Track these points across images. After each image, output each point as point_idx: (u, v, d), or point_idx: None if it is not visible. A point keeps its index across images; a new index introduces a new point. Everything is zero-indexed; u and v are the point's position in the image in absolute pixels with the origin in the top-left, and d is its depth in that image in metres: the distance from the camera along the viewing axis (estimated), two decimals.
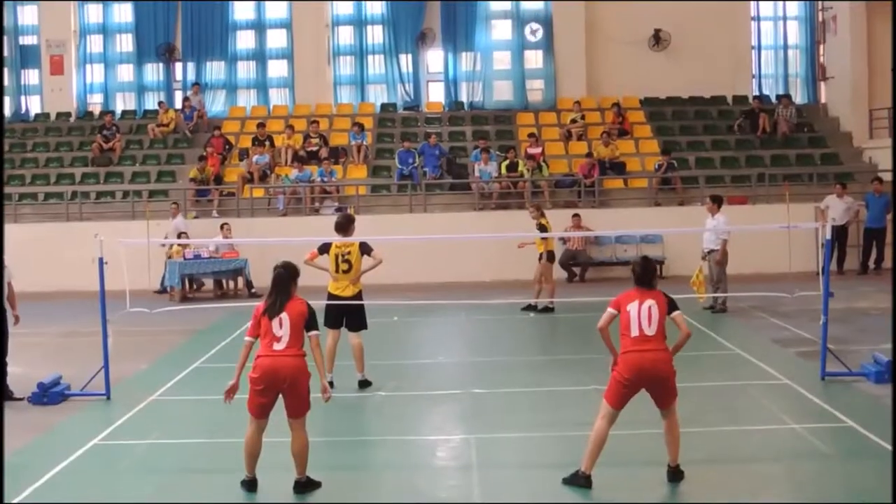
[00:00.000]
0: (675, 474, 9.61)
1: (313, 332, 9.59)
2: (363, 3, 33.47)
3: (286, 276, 9.60)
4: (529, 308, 20.43)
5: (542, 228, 20.03)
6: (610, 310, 9.59)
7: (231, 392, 9.56)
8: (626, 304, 9.51)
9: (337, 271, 13.64)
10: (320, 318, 10.22)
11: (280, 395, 9.39)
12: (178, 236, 24.10)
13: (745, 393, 13.23)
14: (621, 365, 9.42)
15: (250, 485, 9.53)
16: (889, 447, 10.26)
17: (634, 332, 9.41)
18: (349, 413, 12.84)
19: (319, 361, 9.71)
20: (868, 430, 11.02)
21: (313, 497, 9.46)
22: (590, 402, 12.71)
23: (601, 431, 9.44)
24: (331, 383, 13.44)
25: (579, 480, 9.47)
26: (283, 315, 9.41)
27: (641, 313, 9.42)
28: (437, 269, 25.27)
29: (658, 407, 9.60)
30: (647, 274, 9.66)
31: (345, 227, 13.80)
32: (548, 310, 20.40)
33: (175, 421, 12.69)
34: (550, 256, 20.46)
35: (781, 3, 33.48)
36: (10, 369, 13.67)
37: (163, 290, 24.66)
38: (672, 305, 9.57)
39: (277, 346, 9.33)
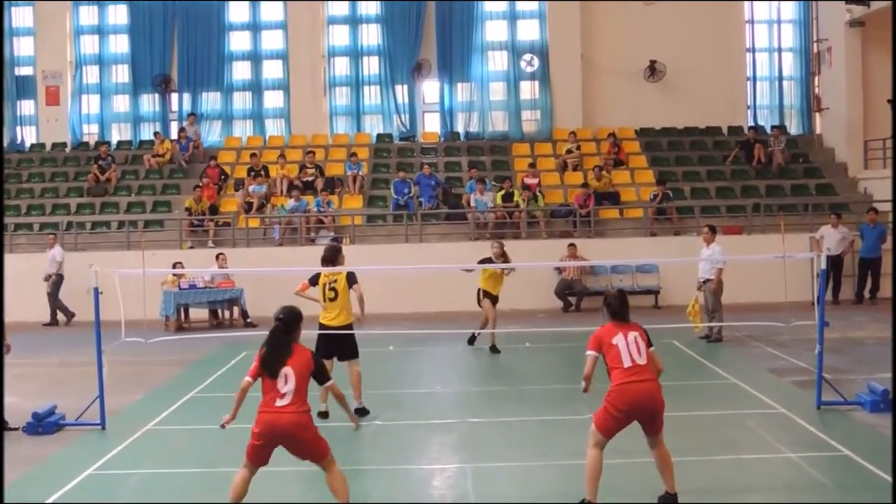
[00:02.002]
0: (674, 500, 9.57)
1: (329, 384, 9.70)
2: (359, 34, 33.64)
3: (282, 330, 9.20)
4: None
5: None
6: (591, 353, 9.53)
7: (225, 425, 9.31)
8: (609, 338, 9.45)
9: (324, 300, 13.65)
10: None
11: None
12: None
13: (741, 422, 13.20)
14: (615, 397, 9.33)
15: None
16: (886, 476, 10.23)
17: (627, 363, 9.33)
18: (345, 442, 12.78)
19: (342, 399, 9.98)
20: (864, 459, 11.00)
21: None
22: (586, 431, 12.71)
23: (597, 459, 9.39)
24: (326, 413, 13.44)
25: None
26: (288, 370, 8.99)
27: (630, 344, 9.39)
28: (433, 299, 25.26)
29: (647, 435, 9.56)
30: (624, 307, 9.61)
31: (332, 259, 13.81)
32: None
33: (170, 451, 12.64)
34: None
35: (777, 34, 33.67)
36: (4, 399, 13.60)
37: (53, 322, 24.86)
38: (649, 339, 9.58)
39: (280, 403, 8.91)
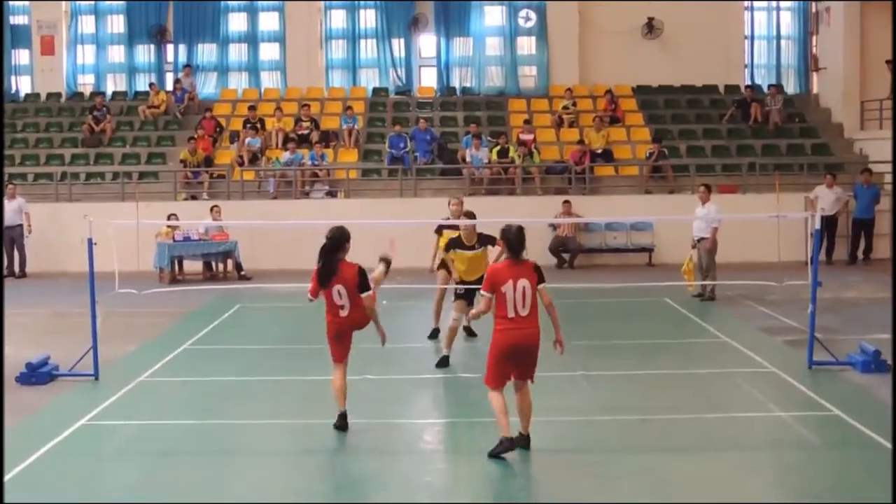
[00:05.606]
0: (527, 442, 10.10)
1: (364, 294, 10.68)
2: None
3: (328, 248, 10.61)
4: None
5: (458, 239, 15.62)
6: (486, 294, 9.84)
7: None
8: (501, 283, 9.70)
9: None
10: None
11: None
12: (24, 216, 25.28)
13: (732, 381, 13.26)
14: (496, 340, 9.83)
15: (342, 419, 10.90)
16: (875, 436, 10.31)
17: (511, 314, 9.73)
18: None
19: (375, 317, 11.02)
20: (854, 419, 11.06)
21: (295, 479, 9.50)
22: (577, 387, 12.84)
23: (499, 400, 9.93)
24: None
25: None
26: (340, 287, 10.62)
27: (517, 296, 9.72)
28: (427, 254, 25.22)
29: (517, 379, 10.03)
30: (519, 244, 9.86)
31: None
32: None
33: (163, 402, 12.69)
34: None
35: None
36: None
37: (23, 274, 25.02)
38: (541, 276, 9.92)
39: (343, 314, 10.76)
